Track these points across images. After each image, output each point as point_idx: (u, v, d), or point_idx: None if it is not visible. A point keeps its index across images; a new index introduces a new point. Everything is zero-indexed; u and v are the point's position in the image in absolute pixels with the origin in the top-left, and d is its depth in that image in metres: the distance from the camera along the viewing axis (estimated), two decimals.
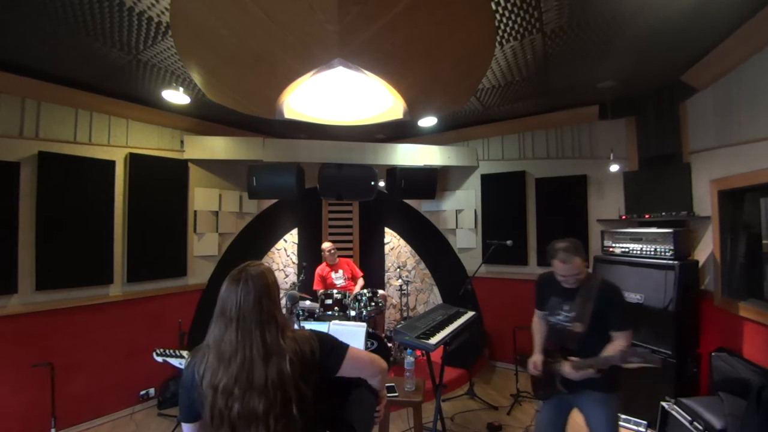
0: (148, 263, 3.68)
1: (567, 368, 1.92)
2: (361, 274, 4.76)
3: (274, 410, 1.03)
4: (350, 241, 5.44)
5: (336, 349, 1.25)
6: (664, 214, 3.32)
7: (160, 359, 2.40)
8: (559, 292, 2.12)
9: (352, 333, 2.47)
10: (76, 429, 3.19)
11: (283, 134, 4.76)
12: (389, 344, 3.82)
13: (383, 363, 1.32)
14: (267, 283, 1.18)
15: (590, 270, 2.24)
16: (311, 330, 1.24)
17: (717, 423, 2.18)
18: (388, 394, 2.58)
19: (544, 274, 2.28)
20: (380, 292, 4.29)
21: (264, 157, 4.13)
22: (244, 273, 1.17)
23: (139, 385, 3.63)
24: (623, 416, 3.08)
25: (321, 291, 4.16)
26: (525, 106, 3.98)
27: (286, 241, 5.33)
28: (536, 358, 2.18)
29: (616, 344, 1.90)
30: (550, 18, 2.28)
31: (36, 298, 3.01)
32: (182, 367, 1.72)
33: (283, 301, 5.15)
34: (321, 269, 4.59)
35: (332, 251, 4.56)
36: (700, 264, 3.15)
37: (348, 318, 3.87)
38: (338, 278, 4.53)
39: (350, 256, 5.10)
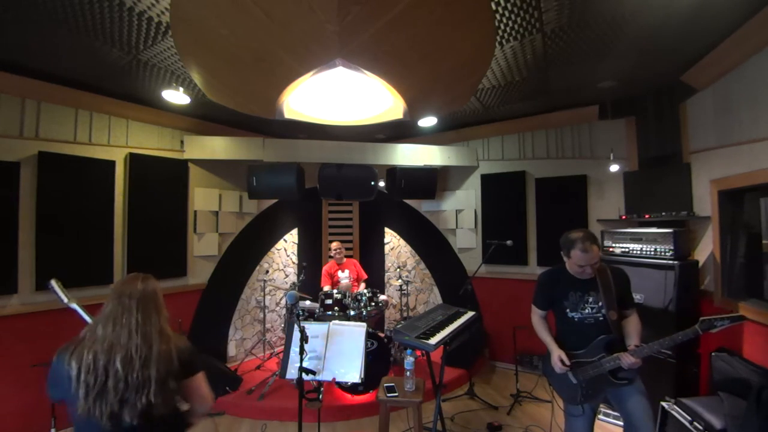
0: (148, 263, 3.66)
1: (626, 358, 1.87)
2: (366, 276, 4.76)
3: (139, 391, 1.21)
4: (350, 241, 5.44)
5: (193, 364, 1.39)
6: (664, 214, 3.32)
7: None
8: (576, 286, 2.09)
9: (352, 333, 2.47)
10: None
11: (283, 134, 4.76)
12: (389, 345, 3.82)
13: (210, 403, 1.46)
14: (152, 292, 1.41)
15: None
16: (186, 341, 1.41)
17: (717, 423, 2.18)
18: (388, 395, 2.58)
19: (551, 272, 2.24)
20: (382, 297, 4.30)
21: (264, 157, 4.13)
22: (134, 283, 1.38)
23: None
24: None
25: (321, 291, 4.16)
26: (525, 106, 3.98)
27: (286, 241, 5.33)
28: (560, 353, 2.05)
29: (633, 320, 1.98)
30: (550, 18, 2.28)
31: (36, 299, 3.01)
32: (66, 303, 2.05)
33: (283, 301, 5.16)
34: (329, 267, 4.64)
35: (340, 251, 4.62)
36: (700, 264, 3.15)
37: (348, 318, 3.87)
38: (344, 277, 4.55)
39: (350, 256, 5.10)
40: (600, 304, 2.03)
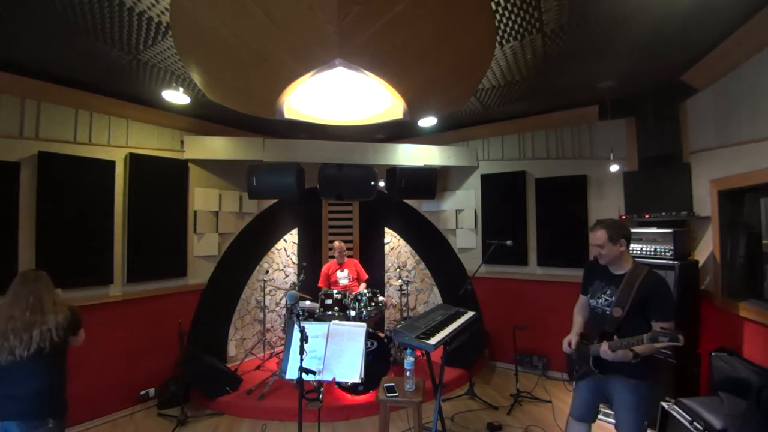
0: (148, 263, 3.68)
1: (604, 347, 1.92)
2: (367, 276, 4.74)
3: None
4: (350, 241, 5.43)
5: (76, 324, 2.04)
6: (664, 214, 3.32)
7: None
8: (604, 277, 2.17)
9: (351, 333, 2.47)
10: (76, 429, 3.19)
11: (283, 134, 4.76)
12: (389, 345, 3.82)
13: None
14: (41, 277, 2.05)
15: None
16: (67, 310, 1.99)
17: (717, 423, 2.18)
18: (388, 395, 2.58)
19: (592, 260, 2.33)
20: (381, 297, 4.30)
21: (264, 157, 4.13)
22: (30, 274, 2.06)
23: (139, 385, 3.63)
24: None
25: (321, 291, 4.16)
26: (525, 106, 3.98)
27: (286, 241, 5.33)
28: (571, 337, 2.23)
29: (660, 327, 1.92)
30: (550, 18, 2.28)
31: None
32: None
33: (283, 301, 5.16)
34: (327, 267, 4.63)
35: (342, 251, 4.60)
36: (700, 264, 3.15)
37: (348, 318, 3.87)
38: (343, 278, 4.54)
39: (350, 256, 5.10)
40: (612, 298, 2.07)
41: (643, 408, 2.00)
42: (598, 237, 2.09)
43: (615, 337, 1.96)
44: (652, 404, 2.05)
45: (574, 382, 2.19)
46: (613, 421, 3.10)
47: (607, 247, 2.07)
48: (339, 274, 4.57)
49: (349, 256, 4.83)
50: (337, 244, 4.63)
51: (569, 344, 2.22)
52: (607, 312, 2.06)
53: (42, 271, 2.11)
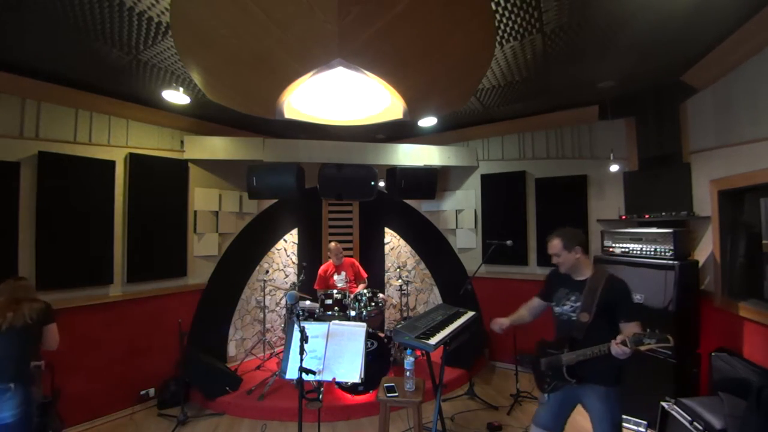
0: (148, 263, 3.68)
1: (617, 348, 1.83)
2: (366, 275, 4.70)
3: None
4: (350, 241, 5.43)
5: (47, 316, 2.29)
6: (664, 214, 3.32)
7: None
8: (568, 284, 2.18)
9: (351, 333, 2.47)
10: (76, 429, 3.19)
11: (283, 134, 4.76)
12: (389, 344, 3.82)
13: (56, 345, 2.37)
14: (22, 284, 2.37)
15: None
16: (40, 304, 2.28)
17: (717, 423, 2.18)
18: (388, 395, 2.58)
19: (555, 268, 2.33)
20: (381, 295, 4.28)
21: (264, 157, 4.14)
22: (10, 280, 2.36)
23: (139, 385, 3.63)
24: (623, 416, 3.08)
25: (321, 291, 4.15)
26: (525, 106, 3.98)
27: (286, 241, 5.33)
28: (502, 320, 2.34)
29: (631, 330, 1.93)
30: (550, 18, 2.29)
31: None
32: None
33: (283, 301, 5.16)
34: (323, 269, 4.55)
35: (338, 253, 4.51)
36: (700, 264, 3.15)
37: (348, 318, 3.87)
38: (340, 281, 4.48)
39: (350, 256, 5.09)
40: (578, 304, 2.09)
41: (617, 412, 2.03)
42: (553, 246, 2.14)
43: (585, 344, 1.99)
44: (620, 410, 2.06)
45: (545, 395, 2.16)
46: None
47: (563, 255, 2.13)
48: (336, 277, 4.48)
49: (348, 256, 4.80)
50: (333, 245, 4.52)
51: (497, 324, 2.32)
52: (573, 318, 2.08)
53: (23, 278, 2.50)
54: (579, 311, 2.05)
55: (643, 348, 1.79)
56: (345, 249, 4.82)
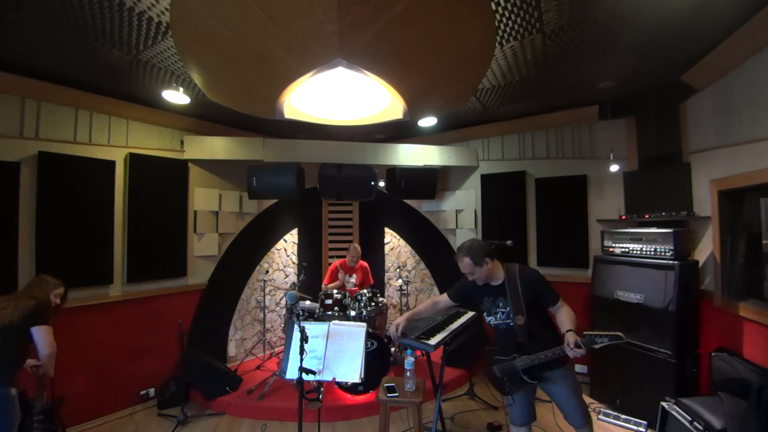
0: (148, 263, 3.68)
1: (573, 350, 1.87)
2: (371, 282, 4.67)
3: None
4: (350, 241, 5.43)
5: (36, 318, 2.19)
6: (664, 214, 3.32)
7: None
8: (489, 292, 2.21)
9: (351, 333, 2.46)
10: (76, 429, 3.19)
11: (283, 134, 4.76)
12: (390, 345, 3.82)
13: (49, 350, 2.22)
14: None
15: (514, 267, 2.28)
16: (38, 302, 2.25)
17: (717, 423, 2.18)
18: (388, 395, 2.58)
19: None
20: (382, 299, 4.28)
21: (264, 157, 4.13)
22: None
23: (139, 385, 3.63)
24: (623, 416, 3.08)
25: (321, 291, 4.15)
26: (525, 106, 3.98)
27: (286, 241, 5.33)
28: (399, 320, 2.34)
29: (565, 312, 2.01)
30: (550, 18, 2.28)
31: None
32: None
33: (283, 301, 5.16)
34: (335, 265, 4.53)
35: (356, 255, 4.50)
36: (700, 264, 3.15)
37: (348, 318, 3.87)
38: (349, 281, 4.48)
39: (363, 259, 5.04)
40: (508, 309, 2.11)
41: (577, 387, 2.13)
42: (465, 265, 2.14)
43: (530, 343, 2.05)
44: (578, 381, 2.19)
45: (509, 397, 2.21)
46: (614, 421, 3.12)
47: (476, 272, 2.13)
48: (346, 277, 4.48)
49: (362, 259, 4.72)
50: (356, 247, 4.51)
51: (395, 326, 2.30)
52: (511, 324, 2.10)
53: (46, 275, 2.50)
54: (513, 315, 2.08)
55: (597, 347, 1.87)
56: (345, 249, 4.81)
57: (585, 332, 1.90)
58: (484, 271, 2.13)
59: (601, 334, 1.86)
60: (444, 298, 2.45)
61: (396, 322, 2.34)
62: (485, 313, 2.25)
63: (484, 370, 2.40)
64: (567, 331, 1.93)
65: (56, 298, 2.44)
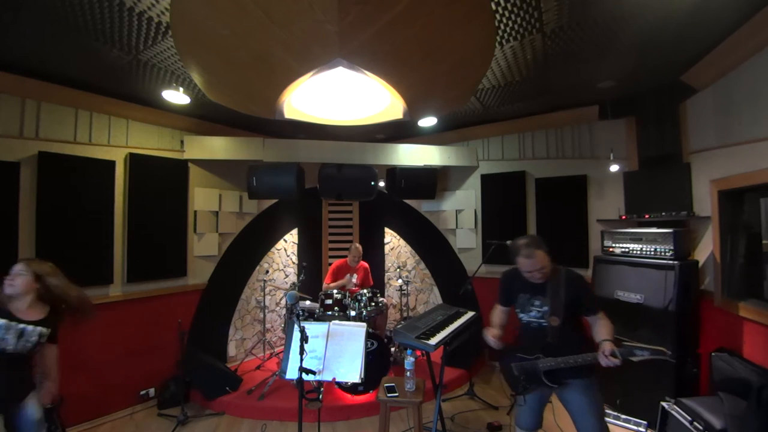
0: (148, 263, 3.68)
1: (606, 359, 1.81)
2: (371, 284, 4.67)
3: None
4: (350, 242, 5.43)
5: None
6: (664, 214, 3.32)
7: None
8: (527, 289, 2.14)
9: (351, 333, 2.47)
10: (76, 429, 3.19)
11: (283, 134, 4.76)
12: (389, 345, 3.82)
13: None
14: None
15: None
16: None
17: (717, 423, 2.18)
18: (388, 395, 2.58)
19: (509, 271, 2.28)
20: (382, 299, 4.28)
21: (264, 157, 4.13)
22: None
23: (139, 385, 3.63)
24: (623, 416, 3.08)
25: (321, 291, 4.15)
26: (525, 106, 3.98)
27: (286, 241, 5.33)
28: (493, 331, 2.19)
29: (604, 323, 1.95)
30: (550, 18, 2.28)
31: None
32: None
33: (283, 301, 5.16)
34: (337, 265, 4.53)
35: (358, 255, 4.51)
36: (700, 264, 3.15)
37: (348, 318, 3.87)
38: (350, 281, 4.47)
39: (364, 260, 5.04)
40: (545, 308, 2.05)
41: (600, 402, 2.04)
42: (540, 259, 2.00)
43: (559, 347, 1.98)
44: (601, 397, 2.08)
45: (521, 397, 2.14)
46: (614, 421, 3.12)
47: (548, 266, 2.04)
48: (347, 276, 4.48)
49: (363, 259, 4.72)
50: (357, 246, 4.53)
51: (492, 335, 2.17)
52: (543, 324, 2.05)
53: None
54: (548, 315, 2.02)
55: (635, 359, 1.76)
56: (345, 249, 4.81)
57: (624, 342, 1.81)
58: (550, 263, 2.04)
59: (643, 347, 1.75)
60: (499, 307, 2.38)
61: (492, 334, 2.18)
62: (518, 309, 2.20)
63: (501, 366, 2.35)
64: (604, 340, 1.87)
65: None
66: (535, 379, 2.07)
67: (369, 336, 3.33)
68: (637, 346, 1.77)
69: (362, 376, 2.31)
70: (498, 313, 2.37)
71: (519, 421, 2.22)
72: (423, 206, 5.26)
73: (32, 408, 2.05)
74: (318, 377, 2.25)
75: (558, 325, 1.99)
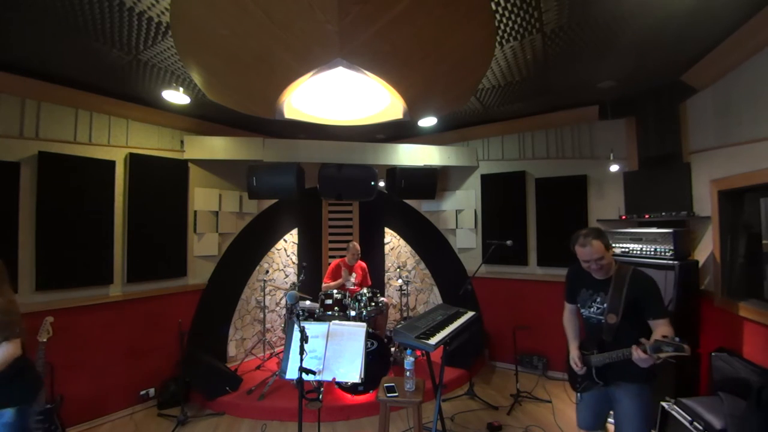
0: (148, 263, 3.68)
1: (639, 353, 1.73)
2: (369, 283, 4.68)
3: None
4: (350, 242, 5.43)
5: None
6: (664, 214, 3.32)
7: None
8: (589, 284, 2.11)
9: (351, 333, 2.47)
10: (76, 429, 3.19)
11: (283, 134, 4.76)
12: (389, 345, 3.82)
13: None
14: None
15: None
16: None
17: (717, 423, 2.18)
18: (388, 395, 2.58)
19: (574, 267, 2.24)
20: (382, 298, 4.28)
21: (264, 157, 4.14)
22: None
23: (139, 385, 3.63)
24: None
25: (321, 291, 4.15)
26: (525, 106, 3.98)
27: (286, 241, 5.33)
28: (575, 354, 2.12)
29: (662, 330, 1.83)
30: (550, 18, 2.29)
31: (36, 299, 3.01)
32: None
33: (283, 301, 5.16)
34: (336, 263, 4.55)
35: (356, 254, 4.53)
36: (700, 264, 3.15)
37: (348, 318, 3.87)
38: (348, 280, 4.49)
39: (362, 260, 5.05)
40: (604, 305, 2.01)
41: (646, 412, 1.95)
42: (596, 249, 1.94)
43: (614, 346, 1.93)
44: (652, 408, 1.99)
45: (578, 395, 2.12)
46: (614, 420, 3.12)
47: (606, 257, 1.97)
48: (346, 275, 4.50)
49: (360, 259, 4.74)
50: (355, 245, 4.54)
51: (574, 362, 2.09)
52: (602, 320, 2.01)
53: None
54: (606, 312, 1.97)
55: (662, 356, 1.67)
56: (345, 249, 4.81)
57: (656, 339, 1.72)
58: (610, 258, 1.99)
59: (669, 342, 1.66)
60: (568, 307, 2.33)
61: (574, 355, 2.11)
62: (579, 305, 2.17)
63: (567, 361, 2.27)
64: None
65: None
66: (587, 375, 2.05)
67: (369, 336, 3.33)
68: (665, 341, 1.68)
69: (362, 376, 2.31)
70: (568, 317, 2.32)
71: (578, 420, 2.20)
72: (423, 206, 5.26)
73: None
74: (318, 377, 2.25)
75: (615, 324, 1.93)
